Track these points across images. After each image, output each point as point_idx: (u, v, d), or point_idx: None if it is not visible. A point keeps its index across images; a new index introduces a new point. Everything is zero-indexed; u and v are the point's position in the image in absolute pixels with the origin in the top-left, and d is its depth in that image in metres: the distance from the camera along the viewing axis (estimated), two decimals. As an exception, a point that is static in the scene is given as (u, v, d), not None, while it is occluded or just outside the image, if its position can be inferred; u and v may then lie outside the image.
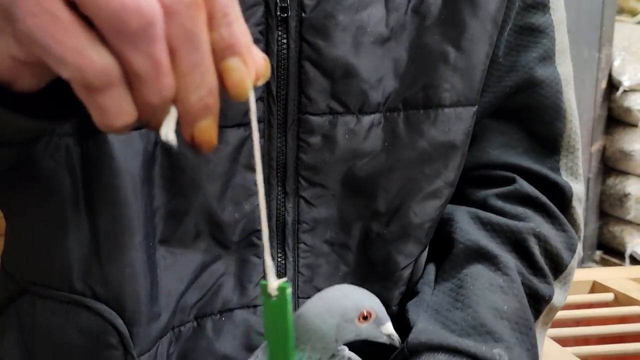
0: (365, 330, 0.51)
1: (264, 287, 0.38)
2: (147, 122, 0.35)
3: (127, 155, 0.55)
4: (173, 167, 0.57)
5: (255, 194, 0.60)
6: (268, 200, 0.60)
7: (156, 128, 0.35)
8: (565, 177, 0.68)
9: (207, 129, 0.35)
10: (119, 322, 0.57)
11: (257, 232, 0.61)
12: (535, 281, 0.64)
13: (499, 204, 0.67)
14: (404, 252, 0.64)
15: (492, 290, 0.62)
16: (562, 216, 0.67)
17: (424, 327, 0.60)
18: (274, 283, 0.38)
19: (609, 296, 1.07)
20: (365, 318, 0.50)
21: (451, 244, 0.65)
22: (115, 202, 0.55)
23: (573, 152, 0.69)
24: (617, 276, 1.12)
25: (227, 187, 0.59)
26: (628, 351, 0.93)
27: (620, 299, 1.06)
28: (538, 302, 0.64)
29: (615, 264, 1.82)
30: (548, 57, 0.68)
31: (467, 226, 0.66)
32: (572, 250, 0.67)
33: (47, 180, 0.56)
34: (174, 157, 0.57)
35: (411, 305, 0.63)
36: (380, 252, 0.64)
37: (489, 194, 0.68)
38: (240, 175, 0.59)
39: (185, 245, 0.59)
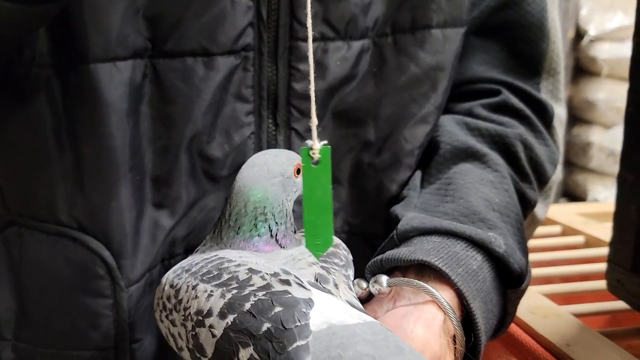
0: (299, 183, 0.51)
1: (306, 151, 0.39)
2: None
3: (110, 86, 0.53)
4: (163, 99, 0.56)
5: (245, 125, 0.59)
6: (258, 133, 0.60)
7: None
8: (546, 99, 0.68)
9: None
10: (106, 254, 0.57)
11: None
12: (522, 185, 0.64)
13: (485, 113, 0.67)
14: (395, 179, 0.64)
15: (482, 184, 0.61)
16: (544, 131, 0.68)
17: (415, 215, 0.58)
18: (317, 145, 0.38)
19: (557, 228, 1.15)
20: (298, 172, 0.51)
21: (437, 147, 0.64)
22: (98, 134, 0.54)
23: (554, 75, 0.69)
24: (565, 212, 1.20)
25: (217, 118, 0.58)
26: (572, 272, 0.99)
27: (566, 231, 1.14)
28: (524, 206, 0.64)
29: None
30: None
31: (453, 129, 0.65)
32: (554, 164, 0.67)
33: (29, 112, 0.55)
34: (164, 88, 0.56)
35: (398, 207, 0.62)
36: (372, 182, 0.64)
37: (475, 104, 0.67)
38: (230, 106, 0.58)
39: (177, 180, 0.58)
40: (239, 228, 0.50)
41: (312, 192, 0.40)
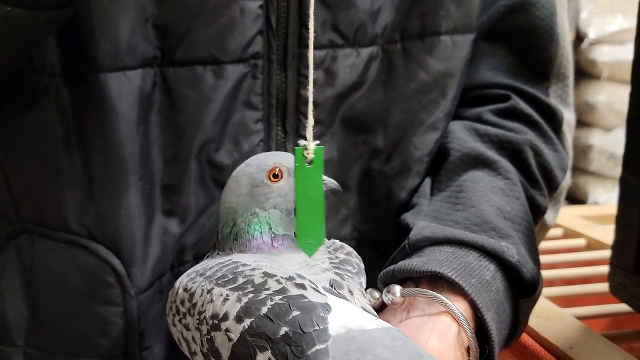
0: (286, 187, 0.50)
1: (301, 151, 0.39)
2: None
3: (120, 95, 0.54)
4: (173, 108, 0.56)
5: (254, 132, 0.59)
6: (268, 140, 0.60)
7: None
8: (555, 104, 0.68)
9: None
10: (116, 262, 0.57)
11: None
12: (533, 192, 0.64)
13: (494, 119, 0.66)
14: (405, 187, 0.64)
15: (493, 192, 0.60)
16: (554, 136, 0.67)
17: (427, 225, 0.58)
18: (312, 145, 0.38)
19: (558, 231, 1.16)
20: (276, 177, 0.50)
21: (447, 154, 0.64)
22: (108, 143, 0.55)
23: (563, 80, 0.69)
24: (566, 215, 1.21)
25: (227, 126, 0.58)
26: (574, 275, 1.00)
27: (568, 234, 1.15)
28: (535, 214, 0.64)
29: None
30: None
31: (463, 136, 0.65)
32: (564, 170, 0.67)
33: (39, 121, 0.55)
34: (174, 97, 0.56)
35: (408, 216, 0.62)
36: (381, 190, 0.64)
37: (484, 110, 0.67)
38: (239, 114, 0.58)
39: (187, 188, 0.59)
40: (223, 238, 0.52)
41: (305, 191, 0.41)
